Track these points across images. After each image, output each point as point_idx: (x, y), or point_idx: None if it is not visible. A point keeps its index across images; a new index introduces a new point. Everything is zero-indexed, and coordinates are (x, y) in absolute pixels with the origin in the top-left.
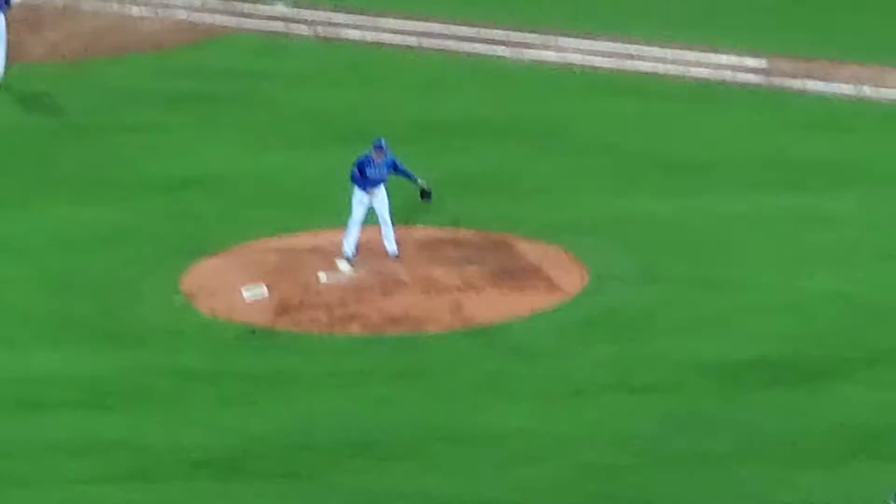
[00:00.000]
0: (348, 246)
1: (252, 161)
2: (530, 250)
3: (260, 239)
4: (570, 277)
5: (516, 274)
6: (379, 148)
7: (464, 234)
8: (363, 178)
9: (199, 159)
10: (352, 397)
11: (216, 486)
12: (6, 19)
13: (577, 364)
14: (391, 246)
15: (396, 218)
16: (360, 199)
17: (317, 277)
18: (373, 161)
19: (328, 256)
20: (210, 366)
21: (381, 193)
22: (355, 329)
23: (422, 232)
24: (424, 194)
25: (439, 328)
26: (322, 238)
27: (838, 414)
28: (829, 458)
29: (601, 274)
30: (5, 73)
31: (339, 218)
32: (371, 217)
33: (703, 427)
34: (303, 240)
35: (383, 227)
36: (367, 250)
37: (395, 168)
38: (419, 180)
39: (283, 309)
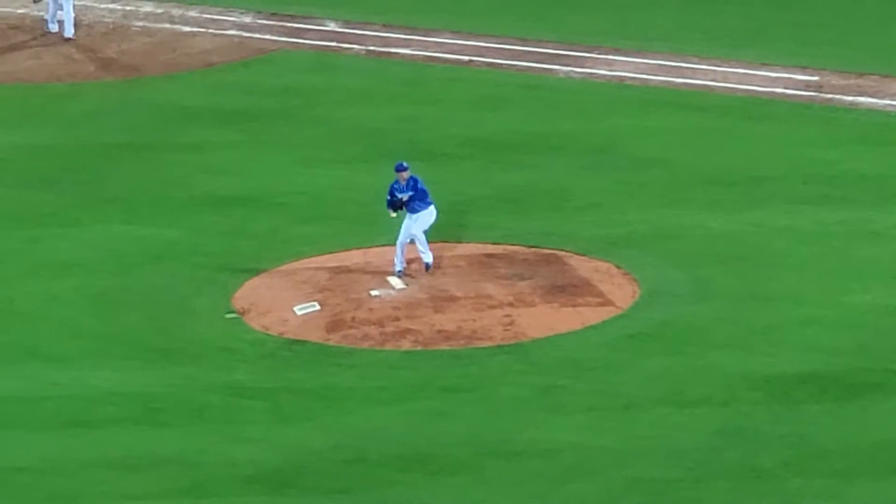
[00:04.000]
0: (399, 263)
1: (304, 178)
2: (582, 265)
3: (312, 256)
4: (621, 292)
5: (568, 289)
6: (399, 170)
7: (515, 249)
8: (398, 201)
9: (251, 177)
10: (404, 412)
11: (269, 501)
12: None
13: (628, 378)
14: (426, 258)
15: (447, 234)
16: (406, 219)
17: (369, 294)
18: (399, 183)
19: (380, 273)
20: (262, 382)
21: (425, 213)
22: (407, 344)
23: (473, 248)
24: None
25: (491, 343)
26: (374, 255)
27: (888, 428)
28: (880, 472)
29: (652, 289)
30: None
31: (391, 235)
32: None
33: (753, 441)
34: (355, 256)
35: (418, 245)
36: (419, 268)
37: (415, 186)
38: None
39: (335, 325)
